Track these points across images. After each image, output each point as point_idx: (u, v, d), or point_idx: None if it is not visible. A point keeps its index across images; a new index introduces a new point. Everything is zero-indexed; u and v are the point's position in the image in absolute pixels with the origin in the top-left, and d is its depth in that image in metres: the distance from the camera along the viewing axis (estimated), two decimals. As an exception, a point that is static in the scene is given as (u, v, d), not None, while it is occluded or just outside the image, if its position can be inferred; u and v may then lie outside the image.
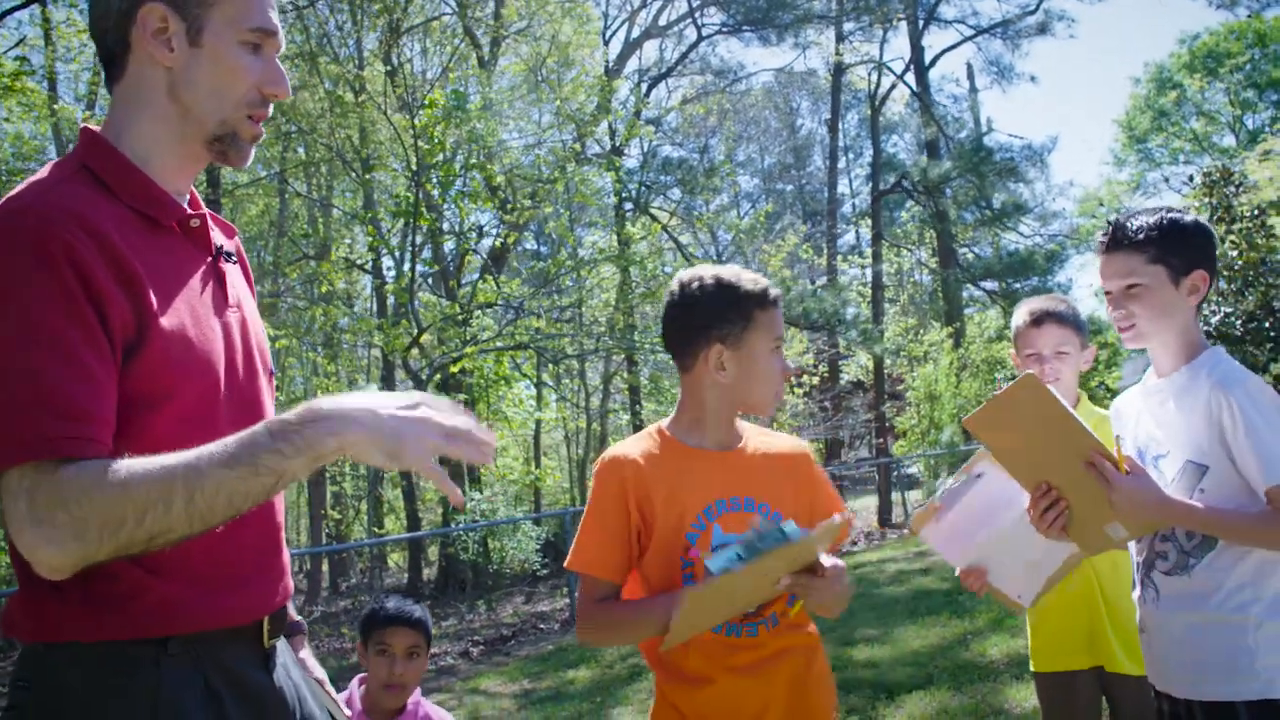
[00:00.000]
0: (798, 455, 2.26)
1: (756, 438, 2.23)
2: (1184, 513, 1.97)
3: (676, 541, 2.05)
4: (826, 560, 1.99)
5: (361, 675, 2.89)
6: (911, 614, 8.26)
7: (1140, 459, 2.17)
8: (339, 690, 2.96)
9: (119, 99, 1.49)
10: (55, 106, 16.60)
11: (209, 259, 1.54)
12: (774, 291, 2.15)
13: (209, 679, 1.39)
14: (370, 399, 1.32)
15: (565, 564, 2.11)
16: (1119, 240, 2.13)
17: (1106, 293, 2.17)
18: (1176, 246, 2.08)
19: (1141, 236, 2.09)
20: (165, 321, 1.37)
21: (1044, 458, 2.06)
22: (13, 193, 1.34)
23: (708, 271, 2.15)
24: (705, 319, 2.10)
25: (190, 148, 1.51)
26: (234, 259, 1.62)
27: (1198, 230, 2.11)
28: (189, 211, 1.51)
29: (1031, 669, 2.91)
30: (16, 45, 15.76)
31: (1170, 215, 2.11)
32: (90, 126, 1.48)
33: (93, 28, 1.50)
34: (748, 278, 2.13)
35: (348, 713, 1.84)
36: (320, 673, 1.89)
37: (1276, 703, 1.93)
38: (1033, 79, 30.85)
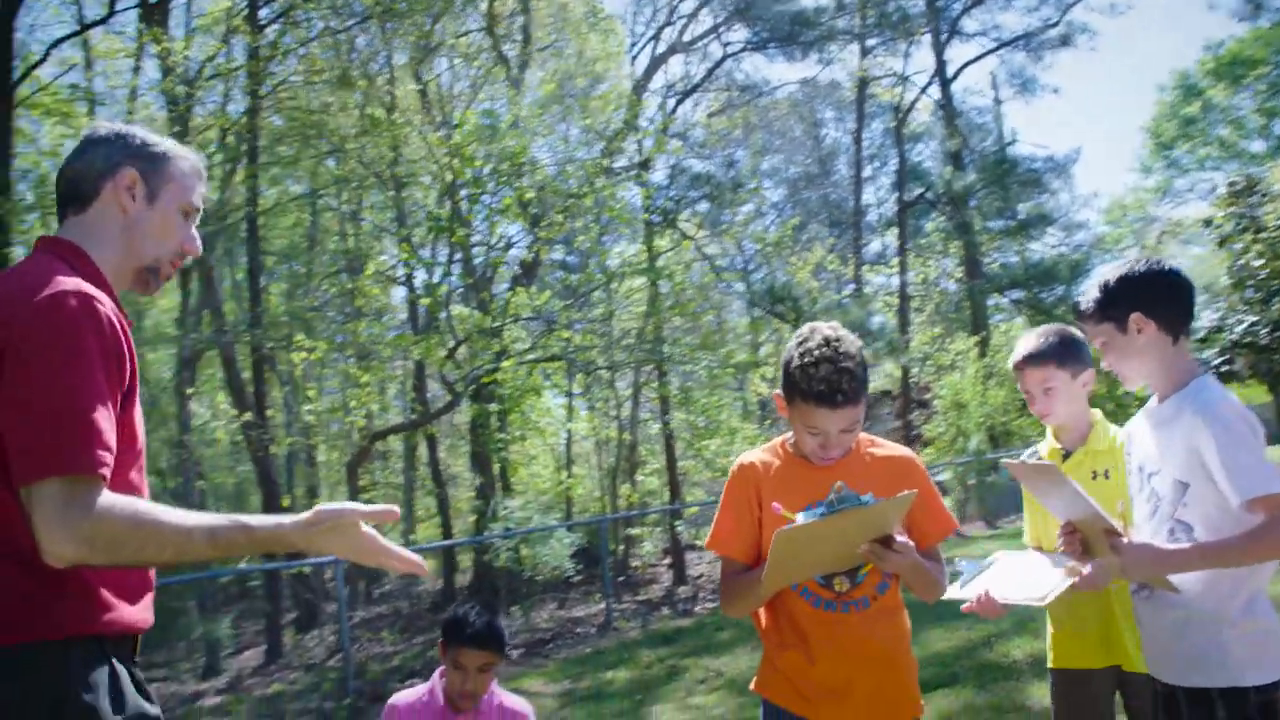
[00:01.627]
0: (902, 459, 2.59)
1: (867, 447, 2.56)
2: (1180, 560, 2.26)
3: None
4: (899, 537, 2.32)
5: (443, 668, 3.19)
6: (938, 617, 8.48)
7: (1140, 475, 2.50)
8: (419, 681, 3.29)
9: (78, 226, 2.01)
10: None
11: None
12: (820, 391, 2.31)
13: (127, 667, 1.84)
14: (332, 547, 1.91)
15: (705, 544, 2.59)
16: (1080, 315, 2.53)
17: None
18: (1110, 303, 2.43)
19: (1085, 309, 2.49)
20: (138, 389, 1.90)
21: (1069, 511, 2.42)
22: (58, 277, 1.80)
23: (813, 341, 2.37)
24: (784, 378, 2.43)
25: (123, 273, 2.03)
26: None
27: (1122, 283, 2.43)
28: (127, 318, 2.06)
29: (1049, 665, 3.06)
30: (66, 72, 16.24)
31: (1101, 280, 2.48)
32: (70, 240, 1.98)
33: (68, 174, 2.03)
34: (817, 375, 2.31)
35: None
36: None
37: (1243, 690, 2.24)
38: (1055, 91, 30.83)
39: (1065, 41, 23.86)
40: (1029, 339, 3.06)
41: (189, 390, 17.03)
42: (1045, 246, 23.56)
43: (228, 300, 19.38)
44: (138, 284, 2.07)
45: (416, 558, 1.99)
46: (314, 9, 15.16)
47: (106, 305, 1.80)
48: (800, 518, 2.27)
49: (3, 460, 1.69)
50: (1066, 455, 3.03)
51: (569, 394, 21.31)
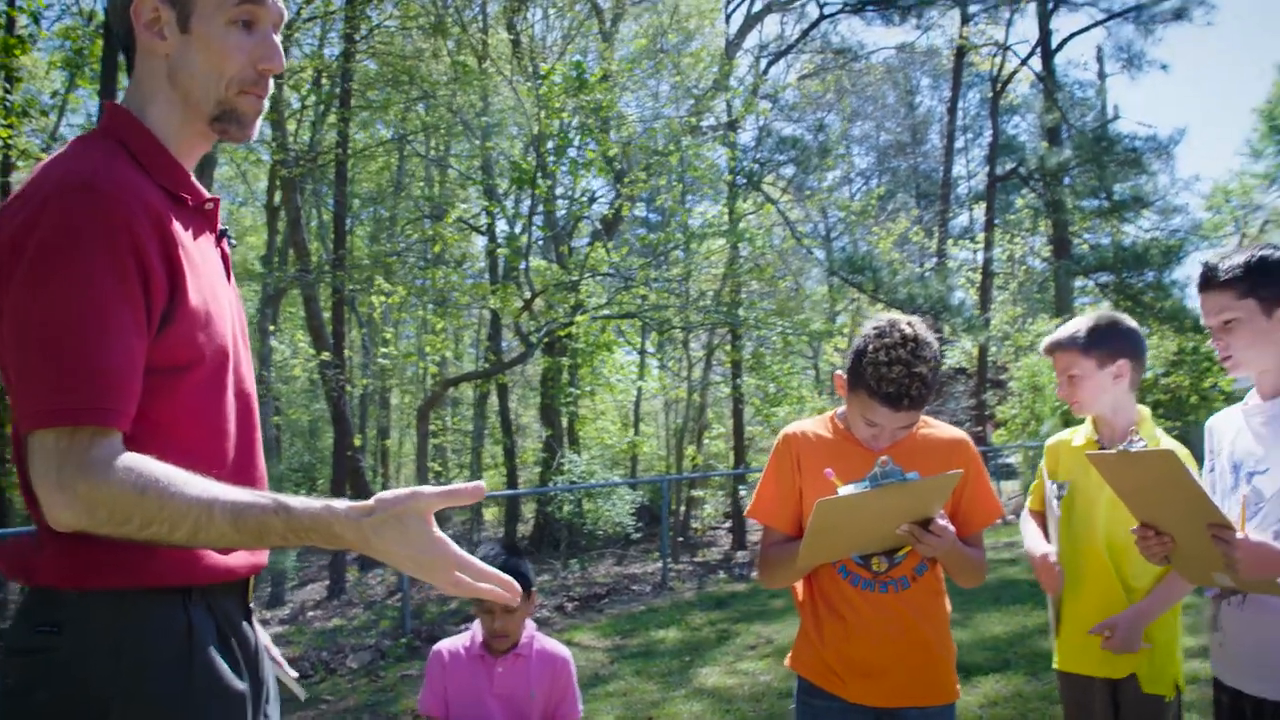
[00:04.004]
0: (955, 442, 2.53)
1: (920, 428, 2.50)
2: None
3: None
4: (941, 520, 2.28)
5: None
6: (996, 600, 8.40)
7: (1236, 473, 2.30)
8: (463, 629, 3.32)
9: (133, 86, 1.57)
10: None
11: (216, 238, 1.65)
12: (889, 392, 2.25)
13: (218, 622, 1.53)
14: (391, 548, 1.41)
15: (745, 512, 2.62)
16: (1210, 280, 2.28)
17: (1209, 327, 2.31)
18: (1265, 280, 2.21)
19: (1229, 276, 2.24)
20: (193, 298, 1.47)
21: (1159, 509, 2.18)
22: (72, 165, 1.41)
23: (891, 338, 2.28)
24: (853, 365, 2.35)
25: (196, 128, 1.58)
26: (230, 237, 1.71)
27: None
28: (206, 195, 1.61)
29: (1054, 666, 2.98)
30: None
31: (1260, 253, 2.24)
32: (120, 105, 1.56)
33: (109, 22, 1.65)
34: (889, 376, 2.24)
35: (293, 673, 1.97)
36: (266, 639, 1.88)
37: None
38: (1164, 67, 29.19)
39: (1180, 15, 22.68)
40: (1058, 330, 2.98)
41: (270, 327, 17.43)
42: (1139, 230, 22.74)
43: (313, 240, 19.71)
44: (220, 136, 1.60)
45: (507, 578, 1.50)
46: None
47: (125, 199, 1.40)
48: (843, 490, 2.25)
49: None
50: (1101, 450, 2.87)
51: (641, 352, 21.36)
